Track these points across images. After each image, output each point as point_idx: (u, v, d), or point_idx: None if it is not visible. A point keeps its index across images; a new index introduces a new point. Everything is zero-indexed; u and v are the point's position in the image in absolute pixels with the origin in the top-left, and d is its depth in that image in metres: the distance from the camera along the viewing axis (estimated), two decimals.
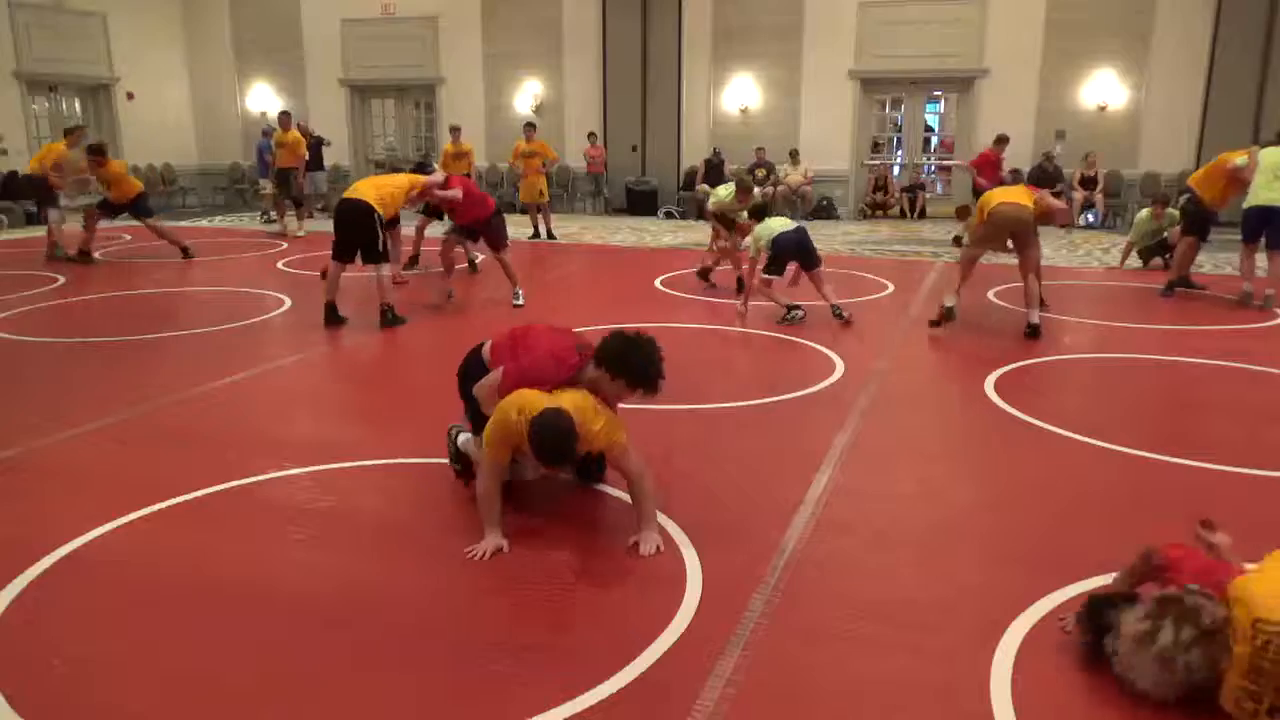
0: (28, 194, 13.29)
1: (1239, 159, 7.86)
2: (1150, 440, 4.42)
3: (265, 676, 2.57)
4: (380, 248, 6.96)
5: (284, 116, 13.60)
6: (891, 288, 8.93)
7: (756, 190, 10.28)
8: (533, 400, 3.19)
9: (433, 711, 2.43)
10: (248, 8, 18.28)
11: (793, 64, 15.69)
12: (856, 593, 3.03)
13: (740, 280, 7.97)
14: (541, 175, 13.00)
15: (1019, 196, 6.75)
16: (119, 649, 2.71)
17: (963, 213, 11.62)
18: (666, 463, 4.07)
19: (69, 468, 4.21)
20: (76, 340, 6.73)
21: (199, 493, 3.80)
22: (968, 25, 14.87)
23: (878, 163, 16.26)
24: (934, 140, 17.20)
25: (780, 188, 15.38)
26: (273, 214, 14.46)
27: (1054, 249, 11.34)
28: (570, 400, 3.19)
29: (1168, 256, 9.66)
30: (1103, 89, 14.54)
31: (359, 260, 7.07)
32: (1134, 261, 10.23)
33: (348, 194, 7.10)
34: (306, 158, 13.62)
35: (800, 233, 7.25)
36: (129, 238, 12.87)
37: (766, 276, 7.23)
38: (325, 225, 9.53)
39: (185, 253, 10.82)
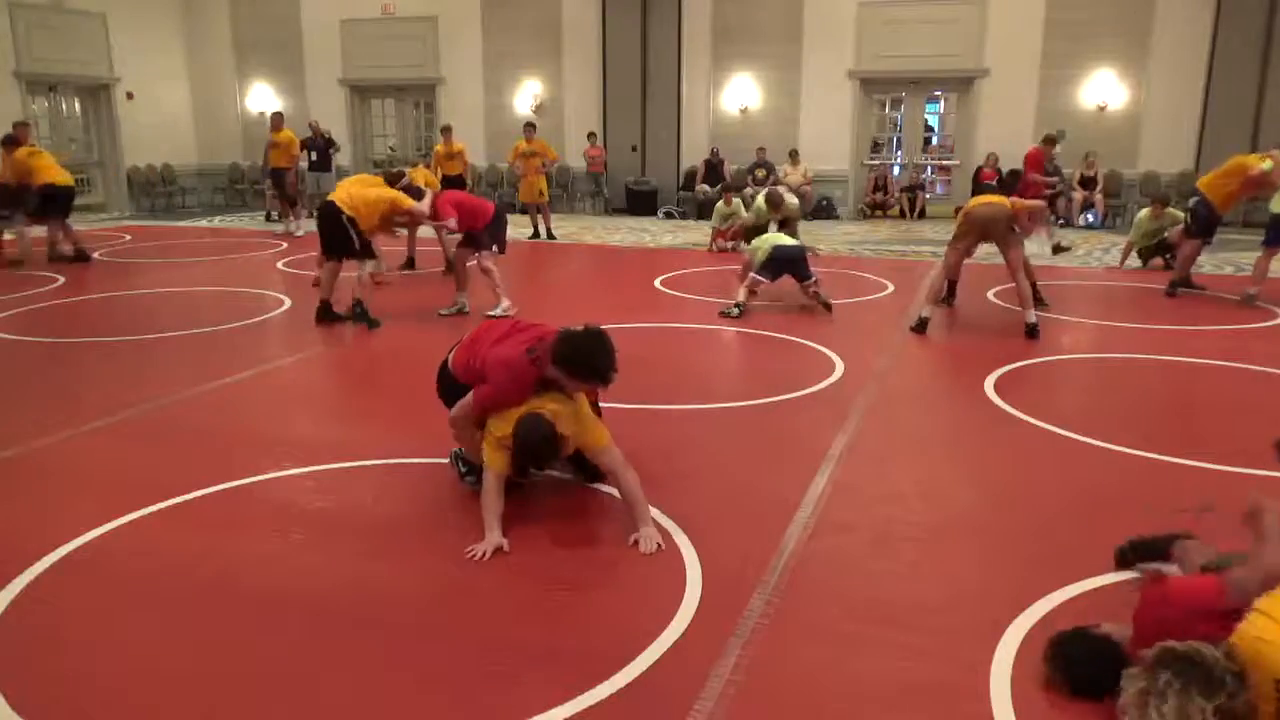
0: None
1: (1264, 164, 7.77)
2: (1150, 440, 4.42)
3: (265, 676, 2.57)
4: (355, 246, 7.03)
5: (276, 117, 13.58)
6: (891, 288, 8.92)
7: (788, 198, 10.56)
8: (508, 426, 3.37)
9: (433, 711, 2.43)
10: (247, 8, 18.25)
11: (792, 64, 15.66)
12: (856, 592, 3.04)
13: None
14: (541, 175, 12.99)
15: (996, 199, 7.10)
16: (119, 649, 2.71)
17: None
18: (667, 462, 4.07)
19: (69, 468, 4.21)
20: (76, 340, 6.74)
21: (199, 493, 3.80)
22: (967, 25, 14.85)
23: (877, 163, 16.24)
24: (934, 140, 17.20)
25: (781, 188, 15.37)
26: (274, 213, 14.47)
27: (1040, 245, 11.24)
28: (546, 403, 3.39)
29: (1168, 256, 9.65)
30: (1102, 89, 14.52)
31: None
32: (1134, 261, 10.22)
33: (330, 195, 7.29)
34: (299, 157, 13.55)
35: (799, 250, 7.73)
36: (129, 238, 12.87)
37: (757, 276, 7.63)
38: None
39: (80, 256, 10.30)
